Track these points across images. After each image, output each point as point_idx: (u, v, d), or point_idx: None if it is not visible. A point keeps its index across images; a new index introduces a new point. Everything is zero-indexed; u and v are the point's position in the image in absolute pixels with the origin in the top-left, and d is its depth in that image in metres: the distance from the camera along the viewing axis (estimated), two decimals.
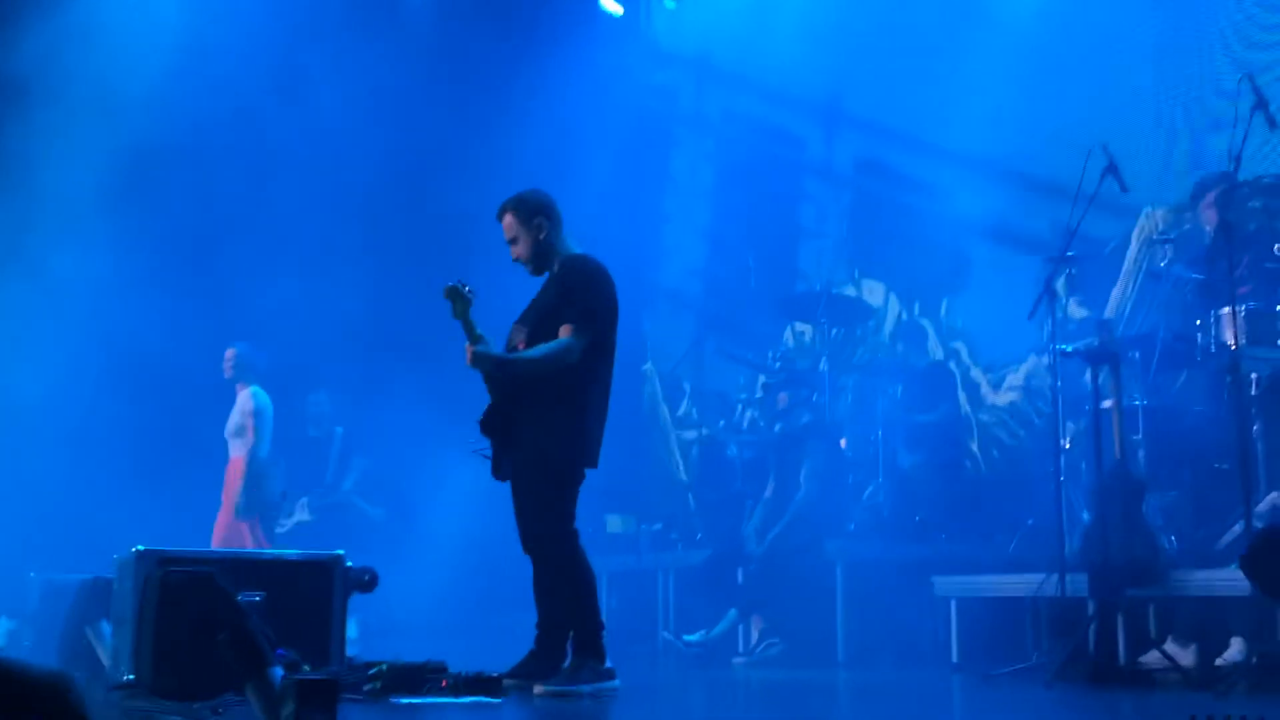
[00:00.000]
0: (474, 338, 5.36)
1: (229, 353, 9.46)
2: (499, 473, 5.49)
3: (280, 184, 10.32)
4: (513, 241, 5.57)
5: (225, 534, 9.24)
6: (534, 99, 10.86)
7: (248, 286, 10.16)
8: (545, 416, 5.34)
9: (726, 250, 11.07)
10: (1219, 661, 5.86)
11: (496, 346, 5.48)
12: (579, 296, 5.38)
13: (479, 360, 5.33)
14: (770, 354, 9.98)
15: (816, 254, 10.47)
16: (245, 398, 9.36)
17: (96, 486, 9.59)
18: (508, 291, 5.87)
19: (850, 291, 10.18)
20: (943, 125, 9.47)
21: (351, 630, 9.56)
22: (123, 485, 9.61)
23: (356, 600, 9.29)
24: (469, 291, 5.36)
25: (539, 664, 5.35)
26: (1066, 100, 8.92)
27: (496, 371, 5.36)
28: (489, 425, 5.45)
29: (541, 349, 5.36)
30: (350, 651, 5.32)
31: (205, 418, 10.10)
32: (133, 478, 9.67)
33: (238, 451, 9.32)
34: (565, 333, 5.34)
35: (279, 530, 10.16)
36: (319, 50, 10.37)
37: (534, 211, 5.53)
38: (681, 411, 11.76)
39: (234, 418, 9.38)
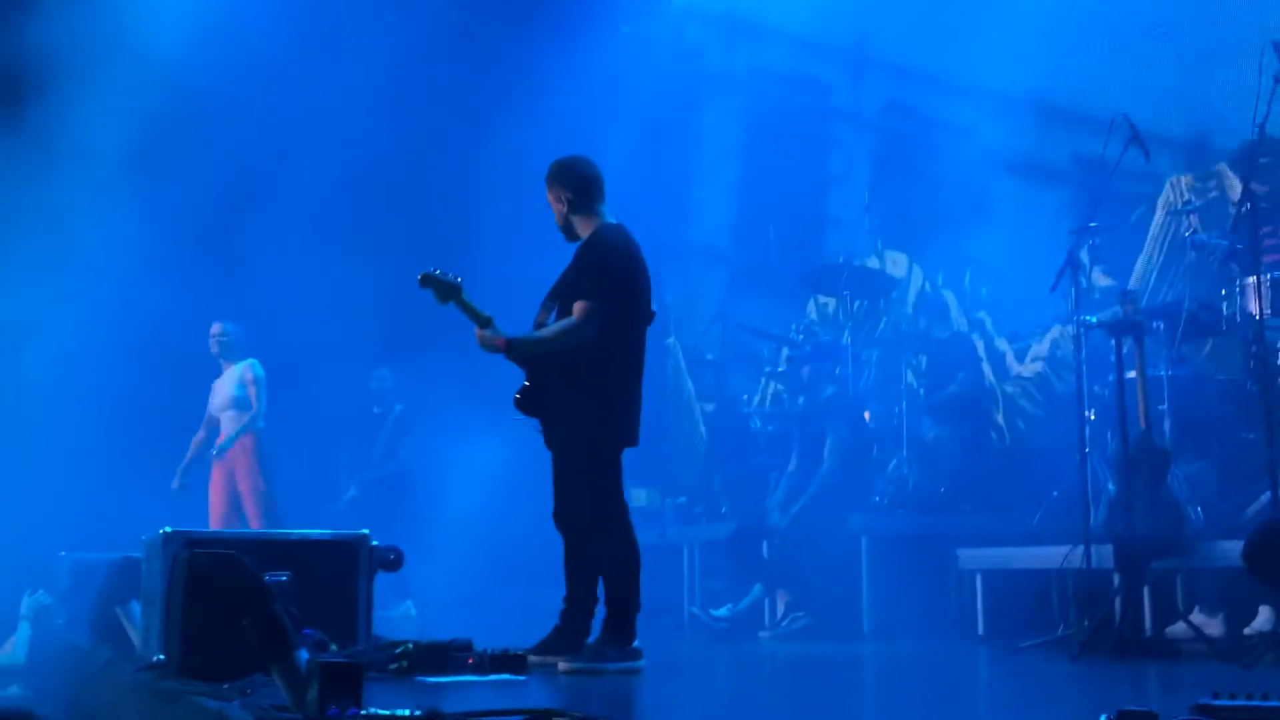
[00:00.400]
0: (480, 320, 5.31)
1: (216, 329, 9.45)
2: (551, 446, 5.48)
3: (308, 158, 10.33)
4: (553, 209, 5.56)
5: (245, 507, 9.23)
6: (558, 66, 10.84)
7: (273, 266, 10.21)
8: (569, 393, 5.32)
9: (749, 222, 11.03)
10: (1247, 631, 5.84)
11: (524, 327, 5.46)
12: (595, 272, 5.31)
13: (486, 343, 5.31)
14: (793, 326, 9.97)
15: (839, 225, 10.41)
16: (245, 369, 9.38)
17: (122, 465, 9.67)
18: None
19: (873, 263, 10.15)
20: (964, 62, 9.39)
21: (410, 609, 9.71)
22: (148, 464, 9.69)
23: (414, 579, 9.49)
24: (453, 277, 5.29)
25: (564, 640, 5.35)
26: (1087, 58, 8.88)
27: (506, 355, 5.34)
28: (524, 404, 5.44)
29: (551, 328, 5.35)
30: (407, 632, 5.32)
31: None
32: (157, 457, 9.76)
33: (232, 424, 9.32)
34: (578, 310, 5.28)
35: (332, 507, 10.38)
36: (345, 18, 10.37)
37: (563, 183, 5.50)
38: (703, 383, 11.77)
39: (227, 390, 9.37)
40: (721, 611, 8.08)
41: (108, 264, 9.61)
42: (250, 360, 9.43)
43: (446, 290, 5.29)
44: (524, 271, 6.44)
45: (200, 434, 9.54)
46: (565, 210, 5.49)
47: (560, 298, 5.47)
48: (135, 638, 5.77)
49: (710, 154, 10.50)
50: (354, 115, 10.54)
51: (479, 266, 5.79)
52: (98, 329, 9.62)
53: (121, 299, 9.81)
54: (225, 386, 9.41)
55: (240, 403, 9.34)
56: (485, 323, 5.32)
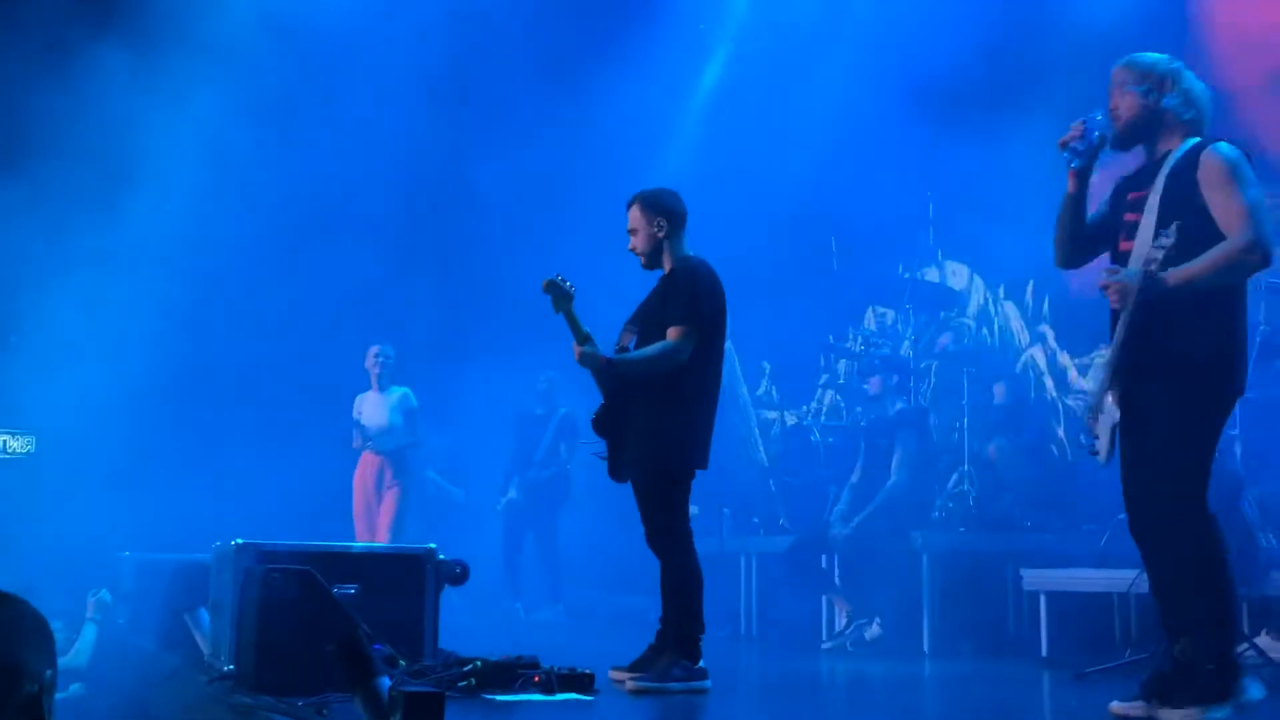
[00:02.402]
0: (581, 337, 5.42)
1: (375, 351, 9.59)
2: (615, 474, 5.53)
3: (364, 169, 10.43)
4: (633, 232, 5.62)
5: (379, 517, 9.42)
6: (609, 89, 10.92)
7: (326, 274, 10.31)
8: (653, 416, 5.37)
9: (810, 232, 11.00)
10: None
11: (605, 348, 5.51)
12: (687, 299, 5.41)
13: (586, 360, 5.40)
14: (853, 336, 9.93)
15: (901, 235, 10.32)
16: (404, 398, 9.58)
17: (183, 466, 9.77)
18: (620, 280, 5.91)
19: (933, 275, 10.09)
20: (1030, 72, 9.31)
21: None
22: (208, 465, 9.80)
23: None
24: (569, 286, 5.43)
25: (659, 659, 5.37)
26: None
27: (605, 371, 5.42)
28: (601, 424, 5.52)
29: (649, 350, 5.40)
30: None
31: (280, 402, 10.31)
32: (216, 458, 9.86)
33: (387, 447, 9.49)
34: (673, 334, 5.37)
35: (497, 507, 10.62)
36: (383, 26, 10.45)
37: (659, 210, 5.58)
38: (761, 391, 11.74)
39: (384, 414, 9.53)
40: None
41: (177, 260, 9.72)
42: (406, 390, 9.64)
43: (562, 298, 5.43)
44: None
45: (357, 440, 9.66)
46: (661, 236, 5.57)
47: (643, 323, 5.52)
48: (204, 646, 5.81)
49: (771, 163, 10.45)
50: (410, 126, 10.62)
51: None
52: (164, 329, 9.70)
53: (191, 299, 9.91)
54: (381, 411, 9.56)
55: (398, 430, 9.52)
56: (585, 339, 5.42)
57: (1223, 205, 4.08)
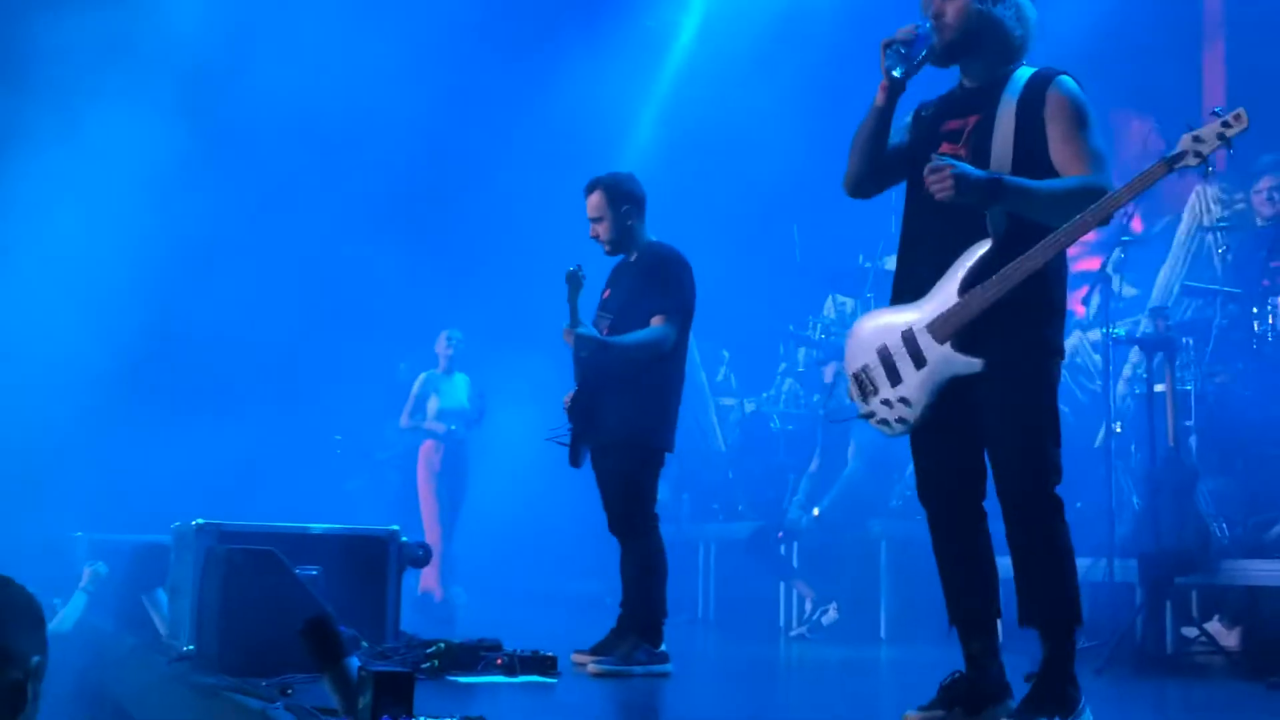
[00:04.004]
0: (576, 321, 5.43)
1: (447, 335, 9.49)
2: (575, 460, 5.54)
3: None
4: (596, 220, 5.61)
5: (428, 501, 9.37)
6: (578, 62, 10.87)
7: (284, 252, 10.25)
8: (633, 402, 5.40)
9: (773, 220, 11.02)
10: None
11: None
12: (673, 288, 5.45)
13: (581, 342, 5.40)
14: (812, 324, 9.97)
15: (864, 224, 10.36)
16: (470, 382, 9.51)
17: (136, 446, 9.68)
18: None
19: (894, 265, 10.12)
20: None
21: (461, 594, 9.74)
22: (163, 445, 9.71)
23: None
24: (583, 275, 5.47)
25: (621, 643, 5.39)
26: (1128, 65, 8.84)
27: (598, 353, 5.43)
28: (575, 409, 5.52)
29: (640, 335, 5.41)
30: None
31: (238, 380, 10.24)
32: (171, 438, 9.77)
33: (458, 433, 9.37)
34: (658, 322, 5.40)
35: None
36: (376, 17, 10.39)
37: (624, 198, 5.58)
38: (720, 378, 11.75)
39: (456, 397, 9.42)
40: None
41: (132, 237, 9.61)
42: (474, 375, 9.55)
43: (576, 287, 5.44)
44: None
45: (406, 421, 9.57)
46: (629, 224, 5.57)
47: (617, 311, 5.54)
48: (161, 627, 5.78)
49: (734, 151, 10.47)
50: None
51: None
52: (121, 306, 9.60)
53: (146, 275, 9.81)
54: (452, 394, 9.44)
55: (468, 414, 9.42)
56: (578, 323, 5.43)
57: (1070, 146, 3.58)
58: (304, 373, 10.85)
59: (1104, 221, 3.57)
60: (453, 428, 9.42)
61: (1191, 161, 3.37)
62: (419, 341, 10.42)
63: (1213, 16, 9.02)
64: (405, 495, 10.77)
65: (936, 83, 4.00)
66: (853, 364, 3.90)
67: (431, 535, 9.12)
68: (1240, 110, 3.33)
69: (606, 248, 5.66)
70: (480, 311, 10.58)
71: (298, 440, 10.71)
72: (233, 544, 4.83)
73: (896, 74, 3.72)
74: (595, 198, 5.61)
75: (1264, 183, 7.12)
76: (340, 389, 11.08)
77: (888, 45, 3.70)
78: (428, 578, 8.98)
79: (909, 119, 3.97)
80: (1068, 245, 3.54)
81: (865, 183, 3.98)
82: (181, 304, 10.03)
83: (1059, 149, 3.60)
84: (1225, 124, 3.35)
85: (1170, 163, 3.39)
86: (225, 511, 5.34)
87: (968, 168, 3.56)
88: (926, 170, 3.58)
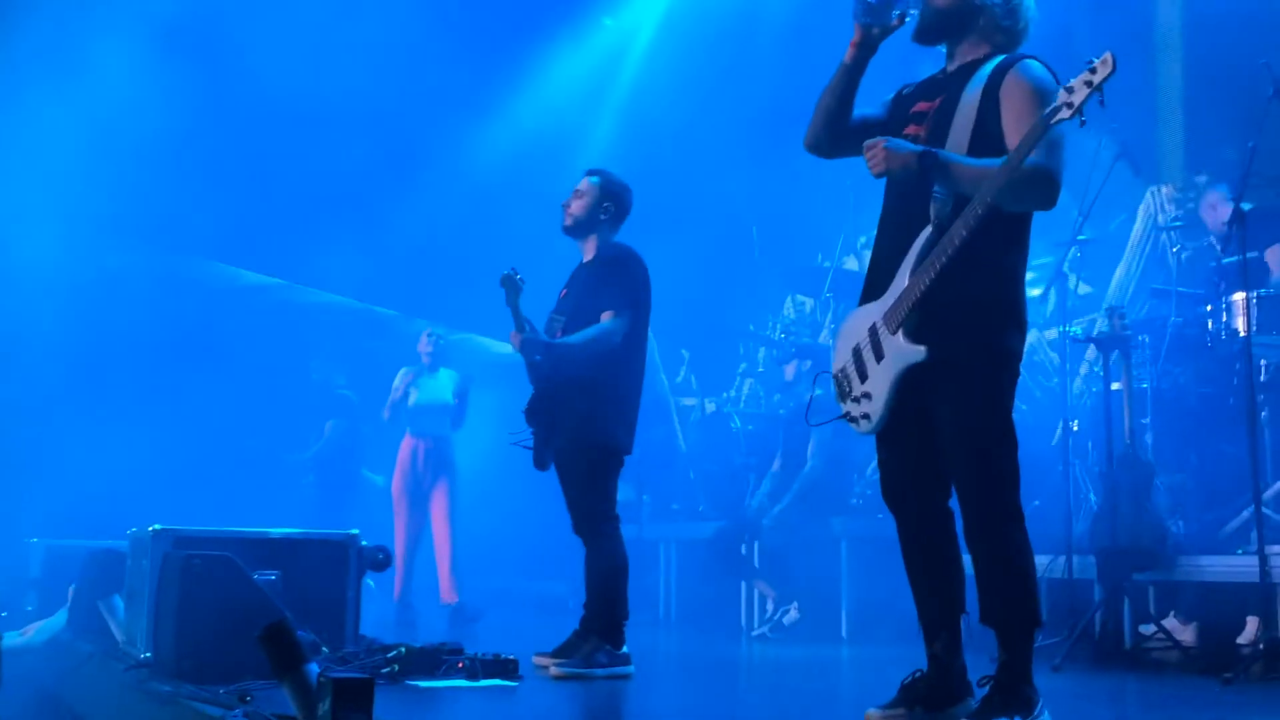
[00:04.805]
0: (520, 325, 5.45)
1: (428, 333, 9.29)
2: (540, 464, 5.54)
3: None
4: (577, 196, 5.67)
5: (436, 504, 9.09)
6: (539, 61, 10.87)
7: (234, 251, 10.17)
8: (588, 401, 5.41)
9: (732, 220, 11.04)
10: (1240, 640, 5.93)
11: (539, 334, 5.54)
12: (618, 283, 5.47)
13: (527, 346, 5.41)
14: (771, 324, 9.98)
15: (822, 225, 10.42)
16: (462, 381, 9.23)
17: (91, 450, 9.57)
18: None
19: (853, 264, 10.17)
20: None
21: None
22: (117, 450, 9.61)
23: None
24: (520, 280, 5.48)
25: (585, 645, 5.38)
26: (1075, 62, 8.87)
27: (545, 356, 5.43)
28: (534, 414, 5.51)
29: (585, 334, 5.43)
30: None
31: (192, 383, 10.15)
32: (126, 442, 9.68)
33: (437, 430, 9.11)
34: (607, 318, 5.43)
35: None
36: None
37: (612, 198, 5.66)
38: (680, 379, 11.75)
39: (439, 395, 9.15)
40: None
41: (80, 235, 9.51)
42: (458, 372, 9.30)
43: (514, 291, 5.47)
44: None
45: (387, 414, 9.31)
46: (601, 217, 5.62)
47: (571, 310, 5.55)
48: (118, 633, 5.72)
49: (693, 151, 10.48)
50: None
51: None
52: (69, 309, 9.51)
53: (95, 275, 9.72)
54: (434, 389, 9.17)
55: (451, 411, 9.14)
56: (523, 327, 5.45)
57: (1022, 127, 3.44)
58: (260, 374, 10.75)
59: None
60: (431, 429, 9.20)
61: (1065, 114, 3.31)
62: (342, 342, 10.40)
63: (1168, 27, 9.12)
64: (361, 499, 10.72)
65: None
66: (835, 366, 3.90)
67: (400, 537, 8.91)
68: (1107, 55, 3.27)
69: (567, 221, 5.68)
70: (429, 310, 10.53)
71: (252, 442, 10.63)
72: (189, 549, 4.79)
73: (862, 22, 3.65)
74: (589, 181, 5.70)
75: (1209, 198, 7.26)
76: (261, 392, 10.91)
77: None
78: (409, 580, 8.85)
79: (891, 96, 3.95)
80: (981, 213, 3.44)
81: (823, 144, 3.91)
82: (134, 307, 9.91)
83: (1011, 131, 3.54)
84: (1092, 70, 3.29)
85: (1047, 119, 3.34)
86: (181, 517, 5.30)
87: (900, 142, 3.57)
88: (864, 149, 3.57)
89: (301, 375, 10.88)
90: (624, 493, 10.15)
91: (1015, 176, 3.40)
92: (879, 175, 3.57)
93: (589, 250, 5.68)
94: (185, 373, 10.19)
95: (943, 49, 3.86)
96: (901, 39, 3.80)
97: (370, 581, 9.26)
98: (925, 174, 3.53)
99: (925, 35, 3.78)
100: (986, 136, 3.60)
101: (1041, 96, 3.52)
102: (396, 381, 9.28)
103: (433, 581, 8.88)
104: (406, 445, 9.14)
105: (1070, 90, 3.32)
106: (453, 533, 8.94)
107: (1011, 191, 3.44)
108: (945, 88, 3.74)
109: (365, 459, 10.89)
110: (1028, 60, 3.65)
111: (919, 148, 3.54)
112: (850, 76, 3.77)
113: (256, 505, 9.43)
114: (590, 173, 5.74)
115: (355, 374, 10.85)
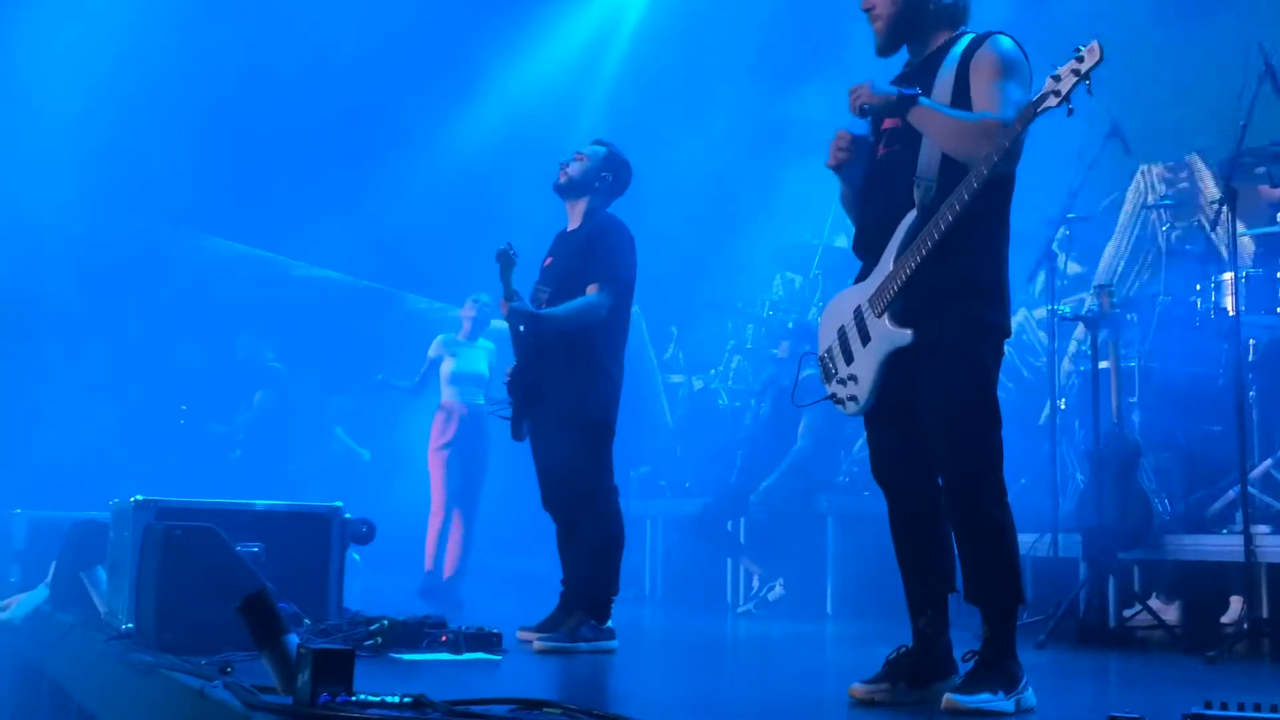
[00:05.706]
0: (510, 295, 5.44)
1: (473, 301, 8.95)
2: (518, 434, 5.53)
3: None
4: (579, 158, 5.67)
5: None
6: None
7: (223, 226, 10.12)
8: (576, 375, 5.39)
9: (719, 198, 11.01)
10: (1224, 619, 5.94)
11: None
12: (612, 258, 5.45)
13: (515, 314, 5.40)
14: (762, 302, 9.95)
15: (810, 201, 10.38)
16: (490, 351, 8.97)
17: (77, 422, 9.55)
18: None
19: (842, 242, 10.14)
20: None
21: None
22: (104, 422, 9.58)
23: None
24: (514, 254, 5.49)
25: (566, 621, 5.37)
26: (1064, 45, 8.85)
27: (531, 326, 5.41)
28: (514, 384, 5.49)
29: (573, 305, 5.41)
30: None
31: (172, 353, 10.12)
32: (112, 415, 9.65)
33: (472, 399, 8.80)
34: (593, 291, 5.41)
35: None
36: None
37: (612, 170, 5.66)
38: (668, 355, 11.73)
39: (476, 366, 8.89)
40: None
41: (59, 209, 9.46)
42: (492, 345, 8.99)
43: (508, 265, 5.48)
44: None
45: (416, 382, 9.06)
46: (595, 185, 5.62)
47: (557, 282, 5.53)
48: (100, 604, 5.70)
49: (683, 126, 10.44)
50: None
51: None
52: (53, 282, 9.46)
53: (77, 251, 9.67)
54: (471, 360, 8.92)
55: (484, 381, 8.84)
56: (510, 297, 5.45)
57: (990, 95, 3.55)
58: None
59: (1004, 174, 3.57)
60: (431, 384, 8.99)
61: (1052, 102, 3.35)
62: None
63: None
64: (347, 472, 10.68)
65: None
66: (821, 347, 3.93)
67: (437, 512, 8.73)
68: (1094, 44, 3.30)
69: (561, 179, 5.67)
70: (425, 286, 10.49)
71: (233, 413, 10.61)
72: (171, 520, 4.76)
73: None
74: (594, 148, 5.70)
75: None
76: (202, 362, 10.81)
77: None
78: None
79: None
80: (967, 199, 3.48)
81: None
82: (115, 277, 9.86)
83: (979, 98, 3.60)
84: (1079, 59, 3.31)
85: (1034, 106, 3.37)
86: (163, 488, 5.26)
87: (882, 84, 3.67)
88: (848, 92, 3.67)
89: (228, 349, 10.78)
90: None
91: (974, 130, 3.51)
92: (858, 110, 3.65)
93: (575, 216, 5.64)
94: (161, 344, 10.15)
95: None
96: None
97: (355, 555, 9.21)
98: (905, 105, 3.60)
99: (886, 50, 3.85)
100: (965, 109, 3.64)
101: (1007, 66, 3.61)
102: (431, 351, 9.04)
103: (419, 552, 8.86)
104: (440, 415, 8.87)
105: (1058, 78, 3.35)
106: (469, 514, 8.76)
107: (972, 145, 3.52)
108: (917, 79, 3.77)
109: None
110: (998, 35, 3.71)
111: (899, 88, 3.63)
112: (849, 180, 3.90)
113: (183, 476, 9.28)
114: (597, 142, 5.74)
115: (283, 346, 10.79)
